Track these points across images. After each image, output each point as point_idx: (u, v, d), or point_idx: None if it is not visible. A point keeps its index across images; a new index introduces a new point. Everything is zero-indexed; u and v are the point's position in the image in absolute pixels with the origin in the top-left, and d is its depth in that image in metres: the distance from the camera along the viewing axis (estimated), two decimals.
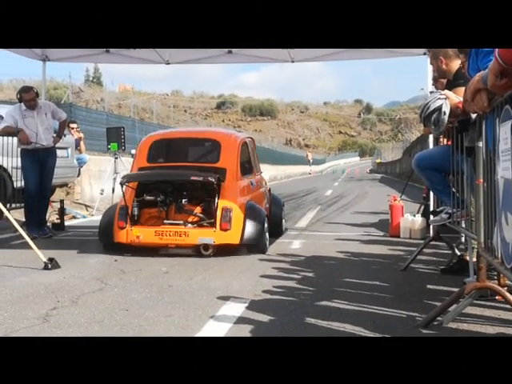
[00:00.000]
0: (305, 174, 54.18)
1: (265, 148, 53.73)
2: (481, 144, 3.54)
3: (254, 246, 6.65)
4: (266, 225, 6.89)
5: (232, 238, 6.48)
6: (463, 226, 4.62)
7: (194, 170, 6.82)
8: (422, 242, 6.36)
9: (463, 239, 5.53)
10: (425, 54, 7.95)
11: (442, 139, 5.54)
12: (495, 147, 3.04)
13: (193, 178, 6.62)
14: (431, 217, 5.45)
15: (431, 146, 7.03)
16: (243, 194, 7.10)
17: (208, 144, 7.76)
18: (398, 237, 8.01)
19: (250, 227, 6.61)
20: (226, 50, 8.27)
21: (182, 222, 6.59)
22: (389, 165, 55.67)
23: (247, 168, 7.75)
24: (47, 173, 8.14)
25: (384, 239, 7.99)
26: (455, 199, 4.62)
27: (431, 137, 6.86)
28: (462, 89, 3.51)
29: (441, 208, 5.08)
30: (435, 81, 5.41)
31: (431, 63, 5.01)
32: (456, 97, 4.14)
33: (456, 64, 4.63)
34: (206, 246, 6.42)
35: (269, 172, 43.68)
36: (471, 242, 4.46)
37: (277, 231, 8.09)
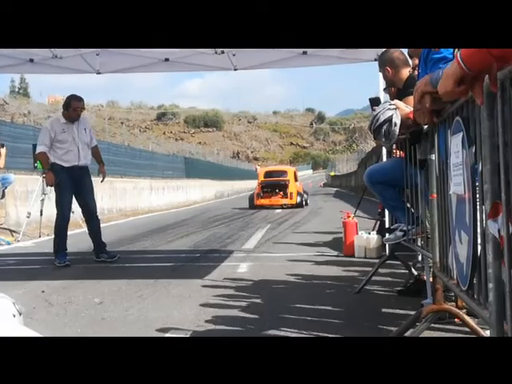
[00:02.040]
0: (254, 189, 54.25)
1: (210, 162, 53.57)
2: (433, 156, 3.59)
3: (300, 205, 24.45)
4: (303, 198, 25.33)
5: (293, 202, 24.57)
6: (419, 244, 4.66)
7: (280, 180, 26.24)
8: (377, 261, 6.41)
9: (420, 258, 5.59)
10: (375, 59, 8.05)
11: (395, 151, 5.60)
12: (447, 160, 3.08)
13: (281, 182, 25.88)
14: (387, 235, 5.48)
15: (384, 158, 7.08)
16: (295, 188, 25.52)
17: (282, 171, 28.28)
18: (353, 256, 8.07)
19: (299, 198, 24.84)
20: (163, 58, 8.22)
21: (277, 197, 25.30)
22: (343, 178, 56.44)
23: (296, 179, 26.53)
24: (88, 193, 8.07)
25: (337, 259, 8.04)
26: (410, 215, 4.66)
27: (384, 149, 6.93)
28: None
29: (395, 225, 5.11)
30: (387, 89, 5.49)
31: (380, 71, 5.08)
32: (406, 106, 4.18)
33: (404, 73, 4.70)
34: (285, 205, 24.36)
35: (215, 188, 43.67)
36: (428, 260, 4.50)
37: (306, 202, 25.74)
